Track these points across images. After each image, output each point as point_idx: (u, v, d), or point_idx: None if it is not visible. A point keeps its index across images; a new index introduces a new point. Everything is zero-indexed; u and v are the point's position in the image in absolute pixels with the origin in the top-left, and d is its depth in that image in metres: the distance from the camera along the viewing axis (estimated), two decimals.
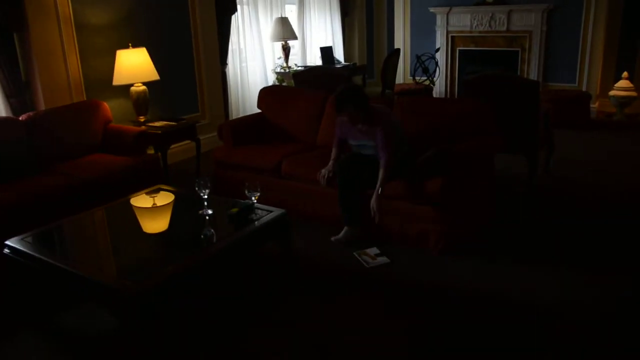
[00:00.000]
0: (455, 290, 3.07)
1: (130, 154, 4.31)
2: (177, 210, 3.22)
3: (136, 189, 3.61)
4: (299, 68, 7.32)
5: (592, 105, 7.19)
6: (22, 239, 2.87)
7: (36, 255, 2.68)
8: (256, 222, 3.00)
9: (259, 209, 3.13)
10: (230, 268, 2.86)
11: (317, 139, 4.57)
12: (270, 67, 7.35)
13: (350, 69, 7.73)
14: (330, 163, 3.81)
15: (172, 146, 4.95)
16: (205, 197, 3.07)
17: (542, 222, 3.95)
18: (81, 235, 3.18)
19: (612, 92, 7.10)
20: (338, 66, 7.85)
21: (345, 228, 3.71)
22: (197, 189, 3.05)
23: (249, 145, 4.53)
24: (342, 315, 2.84)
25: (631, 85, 6.98)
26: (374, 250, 3.52)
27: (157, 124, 4.77)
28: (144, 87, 4.81)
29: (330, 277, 3.28)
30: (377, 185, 3.47)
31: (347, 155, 3.79)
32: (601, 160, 5.48)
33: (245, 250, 2.86)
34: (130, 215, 3.08)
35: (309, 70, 6.17)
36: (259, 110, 4.95)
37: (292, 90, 5.00)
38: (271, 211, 3.12)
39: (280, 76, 7.13)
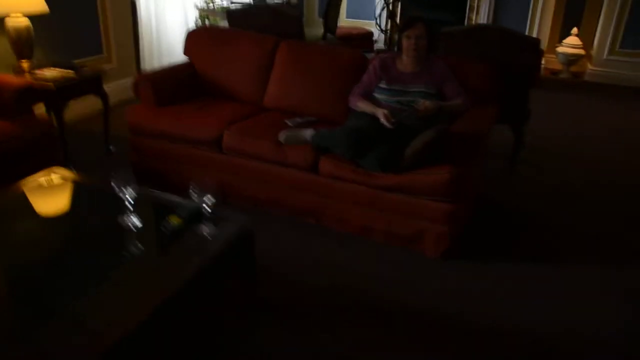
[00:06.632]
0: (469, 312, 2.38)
1: (10, 116, 3.10)
2: (81, 212, 2.23)
3: (21, 171, 2.52)
4: (224, 2, 6.10)
5: None
6: None
7: None
8: (215, 247, 2.01)
9: (210, 216, 2.11)
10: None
11: (264, 99, 3.59)
12: None
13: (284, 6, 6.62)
14: (380, 110, 2.88)
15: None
16: (129, 199, 2.05)
17: (534, 210, 3.38)
18: None
19: (560, 49, 6.66)
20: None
21: (311, 134, 2.96)
22: (114, 186, 2.02)
23: (175, 105, 3.44)
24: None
25: (580, 42, 6.57)
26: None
27: (47, 72, 3.51)
28: (26, 21, 3.50)
29: (300, 294, 2.47)
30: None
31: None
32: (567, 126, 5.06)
33: (196, 294, 1.88)
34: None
35: (253, 8, 5.01)
36: (183, 55, 3.82)
37: (232, 34, 3.89)
38: (229, 219, 2.14)
39: (205, 12, 5.88)
